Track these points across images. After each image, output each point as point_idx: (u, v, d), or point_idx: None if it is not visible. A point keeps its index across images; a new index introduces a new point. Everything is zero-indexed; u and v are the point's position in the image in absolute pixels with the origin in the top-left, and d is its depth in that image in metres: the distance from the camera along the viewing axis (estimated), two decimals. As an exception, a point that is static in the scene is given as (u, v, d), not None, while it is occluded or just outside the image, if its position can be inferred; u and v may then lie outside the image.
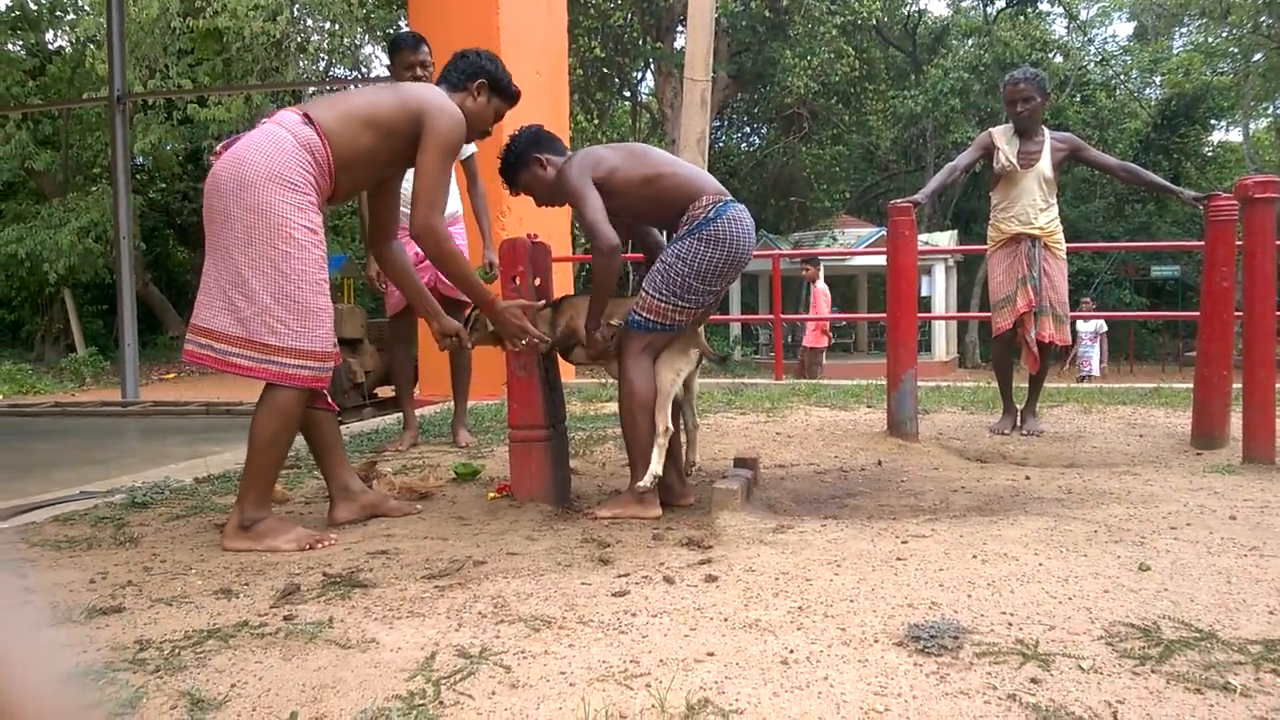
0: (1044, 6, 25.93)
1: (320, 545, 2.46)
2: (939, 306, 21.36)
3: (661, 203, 2.81)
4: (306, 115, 2.52)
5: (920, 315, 5.69)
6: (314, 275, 2.49)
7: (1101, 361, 15.88)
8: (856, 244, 20.84)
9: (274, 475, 2.57)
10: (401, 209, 3.05)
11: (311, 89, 16.68)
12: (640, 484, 2.75)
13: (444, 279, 4.08)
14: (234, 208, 2.42)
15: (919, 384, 4.39)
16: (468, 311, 3.04)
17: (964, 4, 28.48)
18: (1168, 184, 4.57)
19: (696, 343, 2.89)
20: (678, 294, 2.69)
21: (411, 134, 2.60)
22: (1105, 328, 16.46)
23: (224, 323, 2.44)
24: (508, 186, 3.01)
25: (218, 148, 2.54)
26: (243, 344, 2.44)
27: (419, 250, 4.05)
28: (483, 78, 2.82)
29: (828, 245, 21.37)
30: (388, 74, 4.78)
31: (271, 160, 2.43)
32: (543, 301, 2.94)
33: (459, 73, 2.83)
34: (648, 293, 2.71)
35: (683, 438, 3.02)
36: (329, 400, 2.74)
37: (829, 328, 12.03)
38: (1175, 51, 28.68)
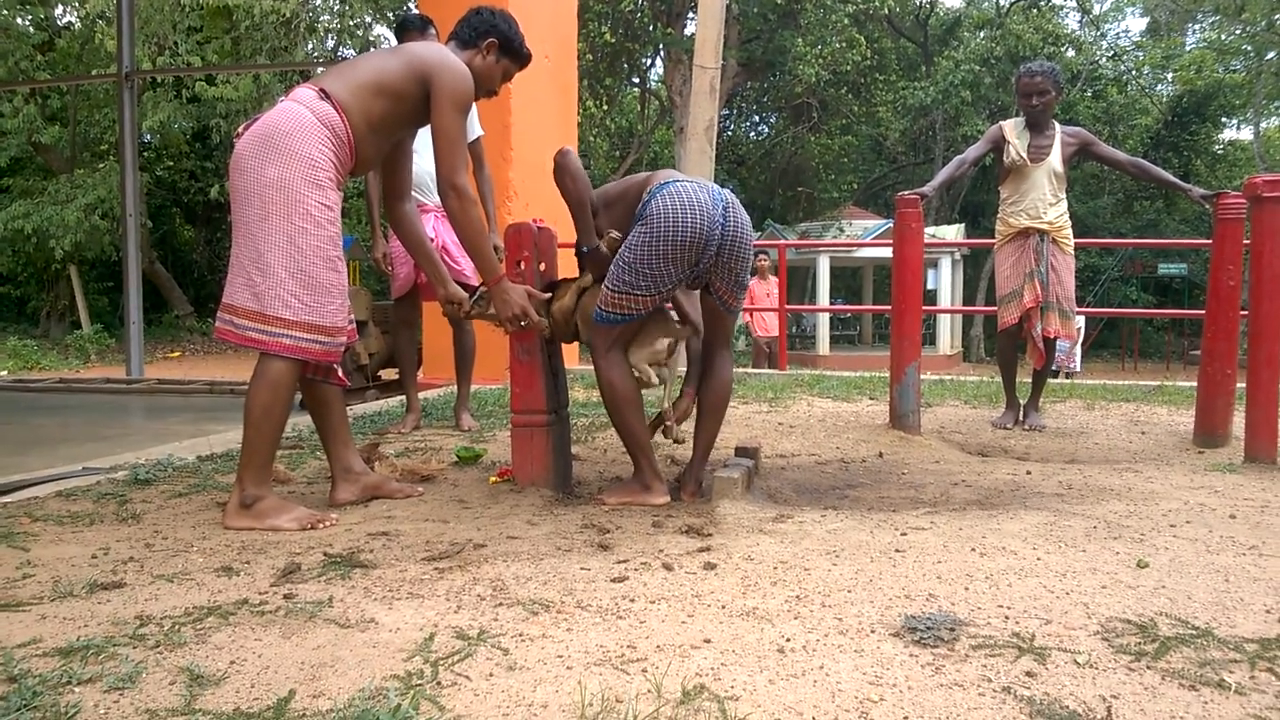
0: (1057, 0, 25.78)
1: (321, 525, 2.47)
2: (944, 300, 21.31)
3: (631, 210, 2.80)
4: (322, 90, 2.53)
5: (925, 308, 5.68)
6: (328, 251, 2.51)
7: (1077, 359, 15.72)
8: (863, 235, 20.78)
9: (272, 449, 2.57)
10: (414, 194, 3.05)
11: (320, 69, 16.62)
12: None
13: (451, 255, 4.09)
14: (253, 185, 2.45)
15: (922, 377, 4.38)
16: (479, 284, 3.04)
17: (977, -4, 28.31)
18: (1177, 181, 4.54)
19: (668, 328, 2.84)
20: (628, 282, 2.65)
21: (421, 95, 2.63)
22: (1080, 324, 16.45)
23: (243, 298, 2.48)
24: None
25: (239, 128, 2.55)
26: (258, 318, 2.46)
27: (434, 228, 4.08)
28: (494, 37, 2.82)
29: (834, 236, 21.32)
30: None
31: (290, 137, 2.45)
32: (549, 295, 2.94)
33: (470, 29, 2.83)
34: (605, 287, 2.72)
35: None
36: (340, 375, 2.75)
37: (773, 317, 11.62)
38: (1188, 48, 28.51)
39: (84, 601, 1.86)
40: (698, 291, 2.89)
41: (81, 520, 2.56)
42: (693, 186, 2.67)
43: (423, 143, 3.38)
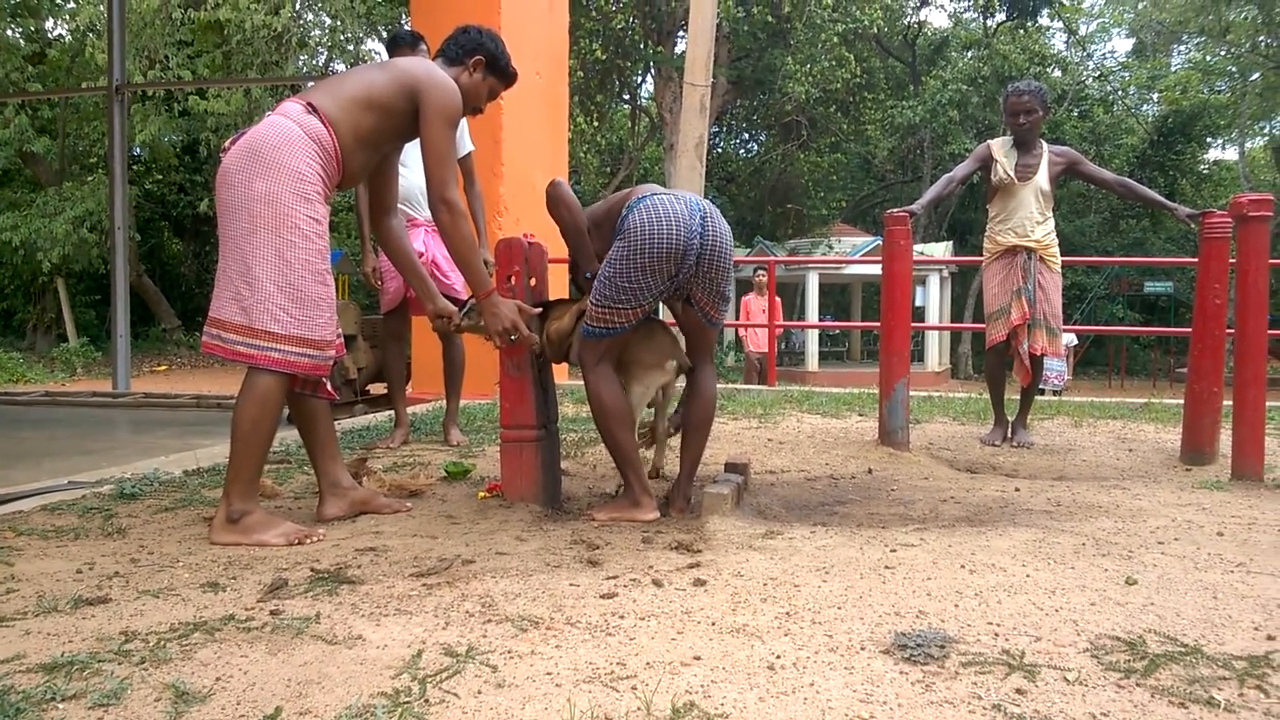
0: (1044, 21, 26.04)
1: (308, 541, 2.46)
2: (933, 317, 21.40)
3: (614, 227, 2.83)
4: (310, 104, 2.54)
5: (914, 325, 5.70)
6: (316, 265, 2.51)
7: (1067, 374, 15.82)
8: (852, 253, 20.86)
9: (259, 465, 2.56)
10: (401, 205, 3.05)
11: (310, 84, 16.62)
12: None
13: (441, 270, 4.09)
14: (241, 199, 2.45)
15: (911, 394, 4.39)
16: (468, 298, 3.04)
17: (964, 16, 28.58)
18: (1163, 200, 4.58)
19: (675, 353, 2.89)
20: (609, 296, 2.67)
21: (409, 110, 2.64)
22: (1075, 341, 16.63)
23: (231, 312, 2.47)
24: None
25: (226, 143, 2.55)
26: (246, 332, 2.45)
27: (424, 243, 4.08)
28: (480, 54, 2.85)
29: (823, 253, 21.41)
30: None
31: (278, 151, 2.45)
32: (540, 309, 2.94)
33: (457, 47, 2.86)
34: (590, 301, 2.74)
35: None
36: (329, 389, 2.74)
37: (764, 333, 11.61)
38: (1173, 69, 28.82)
39: (68, 617, 1.85)
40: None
41: (66, 535, 2.54)
42: (669, 199, 2.69)
43: (412, 158, 3.38)
